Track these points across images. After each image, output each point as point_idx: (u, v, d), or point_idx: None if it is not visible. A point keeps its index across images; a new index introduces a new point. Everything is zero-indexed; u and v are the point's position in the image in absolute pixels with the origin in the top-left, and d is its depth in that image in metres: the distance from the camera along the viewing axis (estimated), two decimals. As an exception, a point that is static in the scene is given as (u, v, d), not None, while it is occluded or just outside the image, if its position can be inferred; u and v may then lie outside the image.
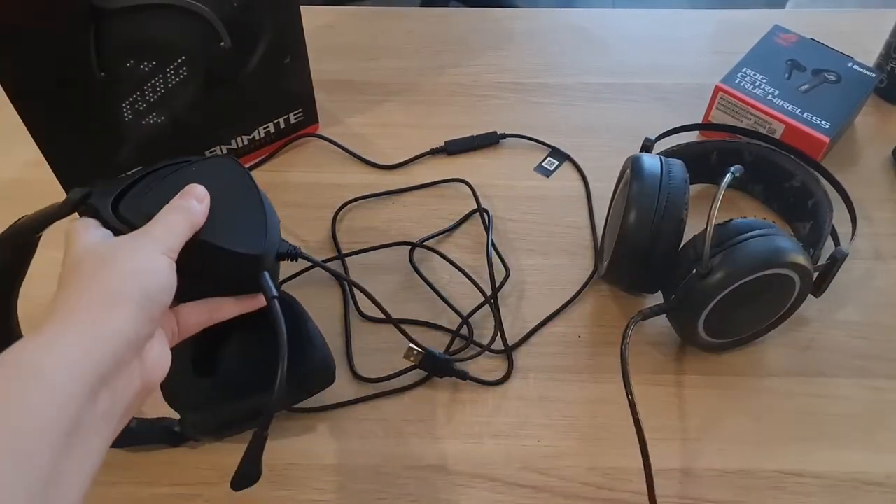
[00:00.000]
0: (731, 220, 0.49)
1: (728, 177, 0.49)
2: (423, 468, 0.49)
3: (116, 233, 0.38)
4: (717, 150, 0.62)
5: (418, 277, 0.58)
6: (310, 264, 0.58)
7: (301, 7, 0.60)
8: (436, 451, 0.50)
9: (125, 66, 0.53)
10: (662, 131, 0.61)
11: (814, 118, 0.63)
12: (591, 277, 0.58)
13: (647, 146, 0.58)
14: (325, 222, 0.62)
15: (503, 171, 0.67)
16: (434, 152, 0.67)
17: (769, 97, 0.64)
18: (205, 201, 0.40)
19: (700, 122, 0.69)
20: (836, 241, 0.57)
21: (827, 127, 0.62)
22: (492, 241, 0.60)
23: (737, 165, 0.50)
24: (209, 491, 0.48)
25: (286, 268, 0.53)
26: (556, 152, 0.68)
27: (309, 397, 0.49)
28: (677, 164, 0.52)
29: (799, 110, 0.63)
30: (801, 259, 0.47)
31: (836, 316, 0.56)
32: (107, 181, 0.42)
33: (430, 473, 0.49)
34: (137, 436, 0.48)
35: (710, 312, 0.48)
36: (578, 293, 0.58)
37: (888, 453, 0.50)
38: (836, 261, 0.51)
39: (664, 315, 0.51)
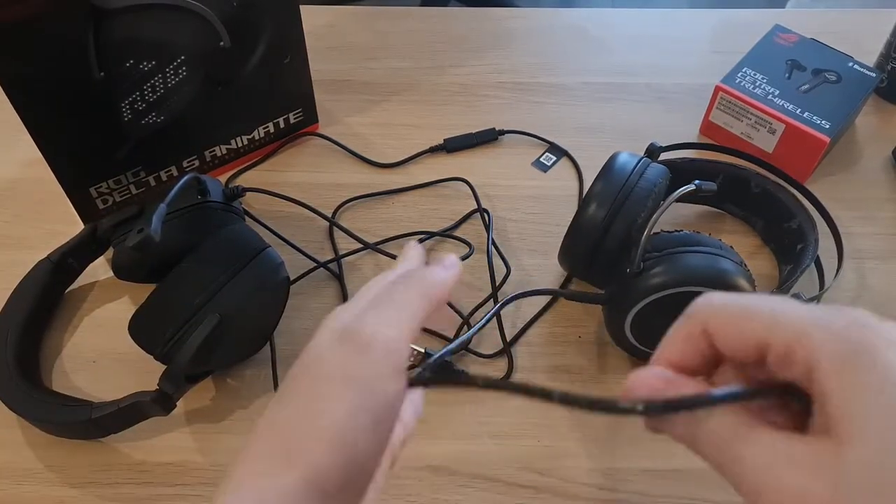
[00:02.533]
0: (681, 230, 0.49)
1: (689, 186, 0.48)
2: (422, 468, 0.49)
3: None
4: (724, 174, 0.61)
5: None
6: (313, 265, 0.59)
7: (301, 6, 0.60)
8: (436, 452, 0.50)
9: (125, 66, 0.53)
10: (662, 131, 0.60)
11: (814, 118, 0.63)
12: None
13: (651, 151, 0.57)
14: (324, 222, 0.62)
15: (503, 169, 0.67)
16: (433, 150, 0.67)
17: (769, 97, 0.64)
18: (454, 268, 0.31)
19: (700, 122, 0.69)
20: (822, 279, 0.57)
21: (827, 127, 0.62)
22: (492, 240, 0.60)
23: (709, 182, 0.49)
24: (211, 492, 0.48)
25: (290, 269, 0.53)
26: (554, 147, 0.68)
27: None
28: (656, 170, 0.51)
29: (799, 110, 0.63)
30: (741, 282, 0.46)
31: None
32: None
33: (429, 474, 0.49)
34: (116, 420, 0.48)
35: (637, 316, 0.48)
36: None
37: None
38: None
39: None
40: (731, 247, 0.49)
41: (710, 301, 0.26)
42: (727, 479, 0.24)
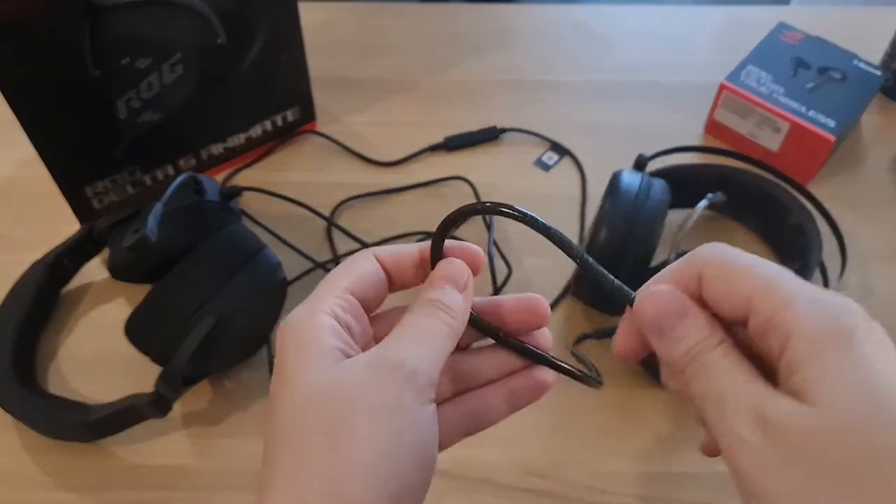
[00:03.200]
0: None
1: (703, 202, 0.48)
2: (423, 472, 0.49)
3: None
4: (711, 177, 0.59)
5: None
6: (311, 265, 0.58)
7: (298, 2, 0.59)
8: (438, 455, 0.49)
9: (120, 63, 0.53)
10: (666, 130, 0.60)
11: (819, 116, 0.62)
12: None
13: (640, 163, 0.56)
14: (323, 221, 0.61)
15: (504, 168, 0.66)
16: (433, 149, 0.67)
17: (774, 95, 0.63)
18: (468, 289, 0.28)
19: (704, 120, 0.68)
20: (826, 279, 0.56)
21: (833, 125, 0.61)
22: (493, 240, 0.59)
23: (717, 193, 0.49)
24: (214, 496, 0.48)
25: (288, 269, 0.52)
26: (556, 147, 0.67)
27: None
28: (658, 186, 0.50)
29: (804, 108, 0.63)
30: None
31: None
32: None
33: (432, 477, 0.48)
34: (113, 423, 0.48)
35: None
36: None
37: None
38: None
39: None
40: None
41: (713, 250, 0.26)
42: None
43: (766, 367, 0.24)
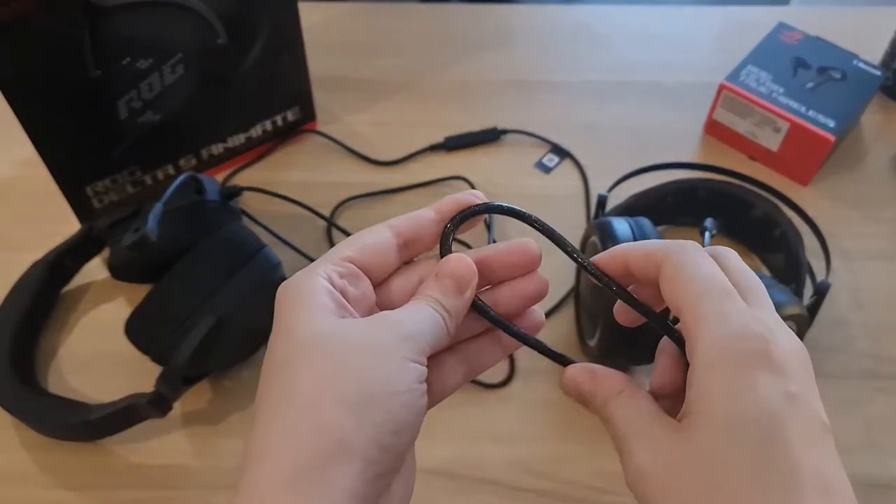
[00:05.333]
0: None
1: (707, 236, 0.48)
2: (423, 472, 0.48)
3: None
4: (672, 194, 0.60)
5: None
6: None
7: (299, 3, 0.59)
8: (437, 455, 0.49)
9: (121, 64, 0.53)
10: (666, 130, 0.60)
11: (819, 116, 0.62)
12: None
13: (601, 202, 0.54)
14: (323, 221, 0.61)
15: (504, 168, 0.66)
16: (433, 148, 0.67)
17: (774, 95, 0.63)
18: (470, 291, 0.28)
19: (704, 120, 0.68)
20: (811, 273, 0.56)
21: (833, 125, 0.61)
22: (493, 240, 0.59)
23: (709, 219, 0.49)
24: (213, 495, 0.48)
25: (288, 269, 0.52)
26: (556, 149, 0.67)
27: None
28: (647, 227, 0.49)
29: (804, 108, 0.63)
30: (797, 310, 0.47)
31: (851, 318, 0.56)
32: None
33: (431, 477, 0.48)
34: (113, 422, 0.48)
35: None
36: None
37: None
38: (822, 294, 0.49)
39: None
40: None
41: (678, 248, 0.27)
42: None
43: None
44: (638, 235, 0.48)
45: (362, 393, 0.24)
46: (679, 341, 0.28)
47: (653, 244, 0.28)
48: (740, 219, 0.59)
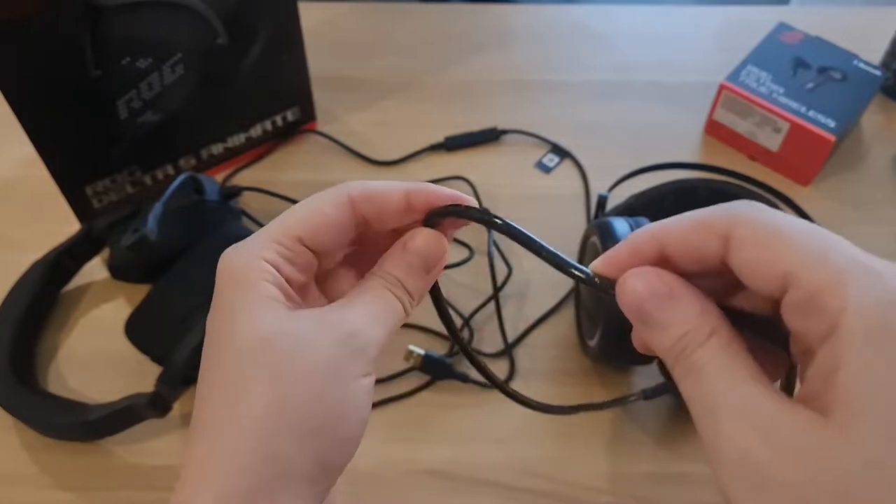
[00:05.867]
0: None
1: None
2: (423, 473, 0.49)
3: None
4: (672, 194, 0.59)
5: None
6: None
7: (299, 2, 0.59)
8: (436, 456, 0.49)
9: (121, 63, 0.53)
10: (666, 130, 0.60)
11: (819, 116, 0.62)
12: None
13: (601, 202, 0.54)
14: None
15: (504, 168, 0.66)
16: (433, 148, 0.67)
17: (774, 95, 0.63)
18: (436, 272, 0.27)
19: (704, 120, 0.68)
20: None
21: (833, 125, 0.61)
22: (493, 240, 0.59)
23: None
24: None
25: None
26: (556, 149, 0.67)
27: None
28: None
29: (804, 108, 0.62)
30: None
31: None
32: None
33: (430, 478, 0.48)
34: (112, 423, 0.48)
35: None
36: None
37: None
38: None
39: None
40: None
41: (749, 208, 0.21)
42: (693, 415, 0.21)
43: (800, 345, 0.21)
44: None
45: (314, 422, 0.23)
46: (775, 334, 0.22)
47: (699, 213, 0.22)
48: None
